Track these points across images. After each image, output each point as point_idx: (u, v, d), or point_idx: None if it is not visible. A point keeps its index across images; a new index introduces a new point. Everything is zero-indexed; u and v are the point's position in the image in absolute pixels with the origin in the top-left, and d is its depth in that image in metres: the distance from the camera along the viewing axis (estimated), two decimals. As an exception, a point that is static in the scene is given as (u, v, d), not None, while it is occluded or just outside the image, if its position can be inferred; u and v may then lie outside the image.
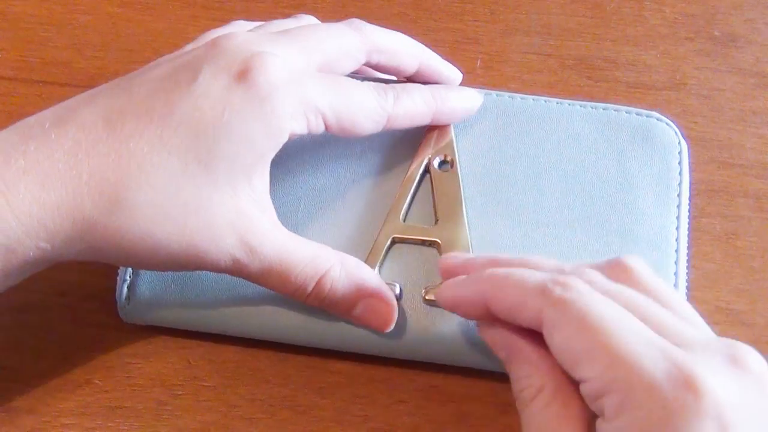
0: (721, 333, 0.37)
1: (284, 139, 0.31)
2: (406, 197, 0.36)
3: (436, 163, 0.37)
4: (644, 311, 0.26)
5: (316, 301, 0.33)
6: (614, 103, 0.38)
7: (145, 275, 0.35)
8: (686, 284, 0.35)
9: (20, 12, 0.45)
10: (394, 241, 0.35)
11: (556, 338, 0.26)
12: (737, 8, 0.44)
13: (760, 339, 0.37)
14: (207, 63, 0.30)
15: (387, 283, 0.34)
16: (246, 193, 0.31)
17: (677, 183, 0.37)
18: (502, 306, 0.28)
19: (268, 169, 0.32)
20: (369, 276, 0.34)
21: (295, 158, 0.36)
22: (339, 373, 0.36)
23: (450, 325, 0.34)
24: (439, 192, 0.36)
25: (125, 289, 0.35)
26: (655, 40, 0.43)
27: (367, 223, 0.36)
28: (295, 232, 0.34)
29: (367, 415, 0.35)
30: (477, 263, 0.31)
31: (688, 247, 0.36)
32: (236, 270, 0.31)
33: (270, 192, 0.33)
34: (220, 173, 0.30)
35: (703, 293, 0.38)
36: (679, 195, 0.36)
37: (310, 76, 0.32)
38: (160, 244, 0.30)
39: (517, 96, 0.38)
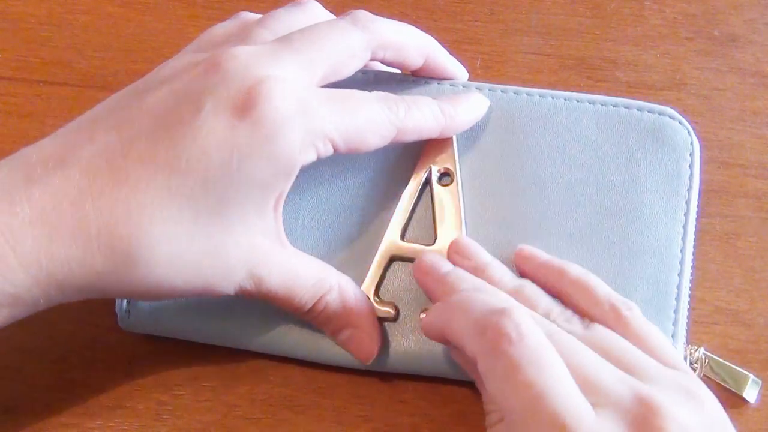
0: (721, 333, 0.37)
1: (296, 173, 0.31)
2: (406, 214, 0.35)
3: (435, 177, 0.36)
4: (591, 346, 0.28)
5: (308, 318, 0.33)
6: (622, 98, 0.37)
7: None
8: (689, 294, 0.35)
9: (20, 12, 0.45)
10: (392, 260, 0.35)
11: (487, 386, 0.27)
12: (737, 8, 0.44)
13: (759, 339, 0.37)
14: (209, 94, 0.29)
15: (384, 303, 0.34)
16: (258, 228, 0.31)
17: (686, 188, 0.35)
18: (454, 342, 0.30)
19: (282, 198, 0.32)
20: (361, 306, 0.34)
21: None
22: (339, 373, 0.36)
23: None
24: (438, 209, 0.35)
25: (125, 302, 0.35)
26: (655, 40, 0.43)
27: (366, 238, 0.35)
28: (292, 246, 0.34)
29: (367, 415, 0.35)
30: (442, 276, 0.33)
31: (693, 256, 0.36)
32: (241, 295, 0.32)
33: None
34: (232, 218, 0.30)
35: (703, 293, 0.38)
36: (687, 201, 0.35)
37: (316, 98, 0.31)
38: (175, 289, 0.30)
39: (523, 92, 0.37)
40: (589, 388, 0.26)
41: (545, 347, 0.26)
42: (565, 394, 0.25)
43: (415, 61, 0.36)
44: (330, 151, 0.31)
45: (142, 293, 0.30)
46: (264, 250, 0.31)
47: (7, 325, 0.29)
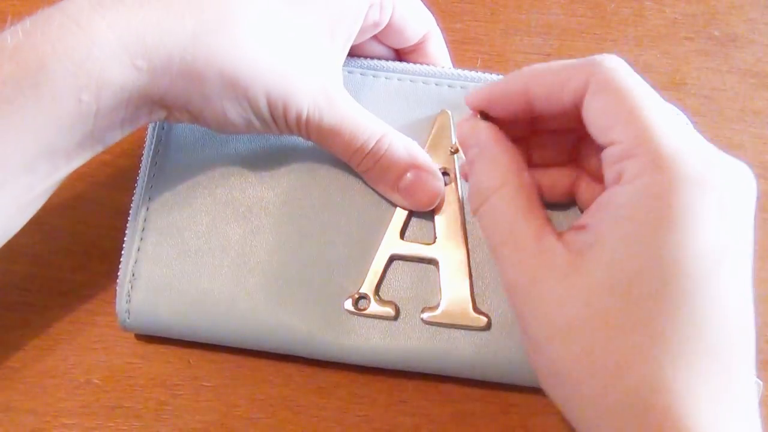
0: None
1: (365, 7, 0.32)
2: (405, 213, 0.35)
3: None
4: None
5: (371, 162, 0.33)
6: None
7: (145, 289, 0.35)
8: None
9: (21, 12, 0.45)
10: (392, 258, 0.35)
11: (598, 102, 0.27)
12: (737, 8, 0.44)
13: (759, 339, 0.37)
14: None
15: (385, 302, 0.34)
16: (329, 49, 0.31)
17: None
18: (544, 85, 0.28)
19: (349, 42, 0.32)
20: (418, 148, 0.34)
21: (294, 173, 0.36)
22: (339, 373, 0.36)
23: (448, 342, 0.34)
24: (438, 208, 0.35)
25: (125, 304, 0.35)
26: (655, 40, 0.43)
27: (366, 237, 0.35)
28: (292, 247, 0.34)
29: (367, 415, 0.35)
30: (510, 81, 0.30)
31: None
32: (312, 122, 0.31)
33: (268, 207, 0.34)
34: (312, 14, 0.30)
35: (703, 293, 0.38)
36: None
37: None
38: (259, 74, 0.29)
39: None
40: None
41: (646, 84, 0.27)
42: (669, 111, 0.26)
43: (414, 28, 0.36)
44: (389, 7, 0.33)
45: (226, 78, 0.29)
46: (336, 78, 0.31)
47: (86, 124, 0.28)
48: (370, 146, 0.33)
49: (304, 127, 0.31)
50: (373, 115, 0.33)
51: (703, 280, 0.24)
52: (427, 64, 0.37)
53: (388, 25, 0.35)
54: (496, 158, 0.28)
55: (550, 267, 0.26)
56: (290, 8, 0.30)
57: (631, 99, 0.26)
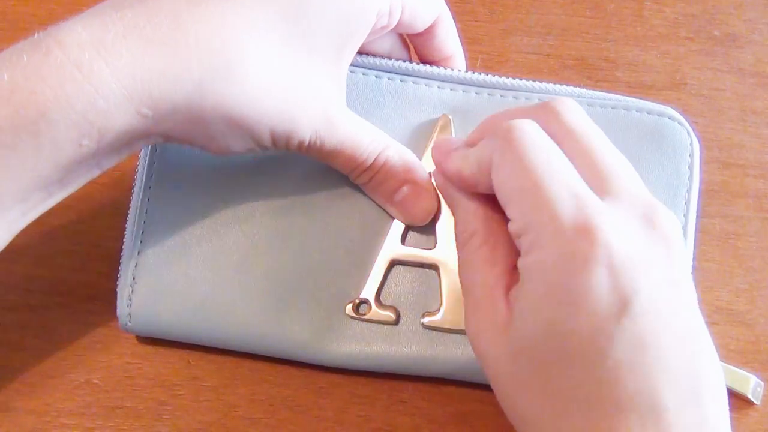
0: (721, 333, 0.37)
1: (372, 20, 0.31)
2: None
3: (435, 182, 0.35)
4: (580, 156, 0.28)
5: (368, 176, 0.33)
6: (622, 95, 0.37)
7: (146, 293, 0.35)
8: None
9: (21, 12, 0.45)
10: (392, 263, 0.35)
11: (496, 178, 0.28)
12: (737, 8, 0.44)
13: (760, 339, 0.37)
14: None
15: (385, 307, 0.34)
16: (333, 71, 0.31)
17: (686, 189, 0.36)
18: (471, 167, 0.30)
19: (352, 54, 0.32)
20: (417, 163, 0.34)
21: (295, 176, 0.36)
22: (339, 373, 0.36)
23: (449, 347, 0.34)
24: (438, 213, 0.35)
25: (126, 309, 0.35)
26: (655, 40, 0.43)
27: (367, 242, 0.35)
28: (293, 251, 0.34)
29: (367, 415, 0.35)
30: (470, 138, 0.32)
31: (693, 257, 0.35)
32: (314, 148, 0.31)
33: (269, 212, 0.34)
34: (314, 48, 0.30)
35: (703, 293, 0.38)
36: (687, 202, 0.35)
37: None
38: (264, 114, 0.29)
39: (522, 95, 0.36)
40: (609, 178, 0.27)
41: (549, 145, 0.27)
42: (563, 178, 0.26)
43: (425, 18, 0.35)
44: (398, 9, 0.33)
45: (231, 121, 0.29)
46: (335, 94, 0.31)
47: (89, 165, 0.28)
48: (369, 162, 0.33)
49: (305, 151, 0.32)
50: (374, 127, 0.33)
51: (594, 353, 0.25)
52: (437, 48, 0.37)
53: (398, 23, 0.34)
54: (467, 208, 0.30)
55: (493, 321, 0.27)
56: (298, 38, 0.30)
57: (522, 174, 0.27)
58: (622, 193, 0.27)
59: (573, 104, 0.29)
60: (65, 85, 0.25)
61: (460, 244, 0.30)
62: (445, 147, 0.32)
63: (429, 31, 0.36)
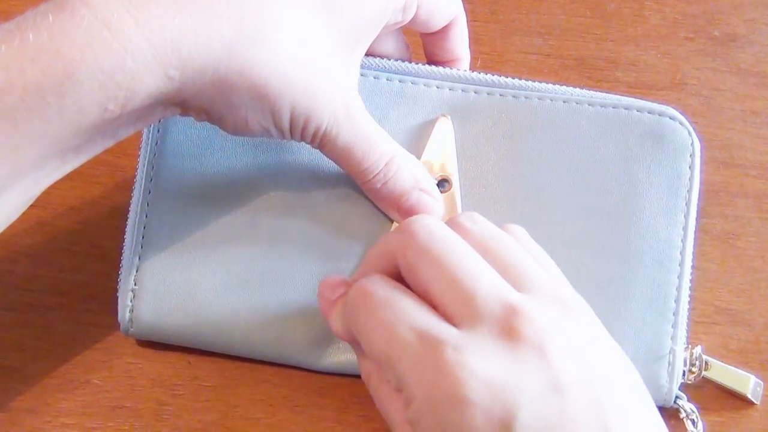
0: (721, 333, 0.37)
1: (388, 12, 0.31)
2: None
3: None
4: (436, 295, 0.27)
5: (376, 182, 0.33)
6: (622, 95, 0.37)
7: (147, 298, 0.35)
8: (689, 296, 0.35)
9: (21, 12, 0.45)
10: None
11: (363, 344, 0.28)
12: (737, 8, 0.44)
13: (760, 339, 0.37)
14: None
15: None
16: (350, 62, 0.31)
17: (686, 189, 0.35)
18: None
19: (362, 54, 0.33)
20: (426, 171, 0.34)
21: (296, 180, 0.36)
22: (339, 374, 0.36)
23: None
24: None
25: (128, 314, 0.35)
26: (655, 40, 0.43)
27: (367, 245, 0.35)
28: (288, 248, 0.34)
29: (368, 415, 0.35)
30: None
31: (693, 257, 0.35)
32: (329, 138, 0.31)
33: (271, 216, 0.34)
34: (341, 25, 0.30)
35: (703, 293, 0.38)
36: (687, 203, 0.35)
37: None
38: (289, 87, 0.29)
39: (522, 95, 0.36)
40: (464, 301, 0.26)
41: (395, 292, 0.27)
42: (420, 323, 0.26)
43: (442, 17, 0.35)
44: (414, 5, 0.33)
45: (255, 90, 0.28)
46: (354, 86, 0.31)
47: (115, 129, 0.28)
48: (379, 168, 0.33)
49: (318, 140, 0.31)
50: (386, 134, 0.33)
51: None
52: (448, 49, 0.37)
53: (412, 20, 0.34)
54: (359, 352, 0.30)
55: None
56: (323, 19, 0.30)
57: (381, 336, 0.27)
58: (475, 318, 0.26)
59: (427, 226, 0.29)
60: (93, 44, 0.24)
61: (364, 379, 0.30)
62: (326, 294, 0.31)
63: (443, 31, 0.36)
